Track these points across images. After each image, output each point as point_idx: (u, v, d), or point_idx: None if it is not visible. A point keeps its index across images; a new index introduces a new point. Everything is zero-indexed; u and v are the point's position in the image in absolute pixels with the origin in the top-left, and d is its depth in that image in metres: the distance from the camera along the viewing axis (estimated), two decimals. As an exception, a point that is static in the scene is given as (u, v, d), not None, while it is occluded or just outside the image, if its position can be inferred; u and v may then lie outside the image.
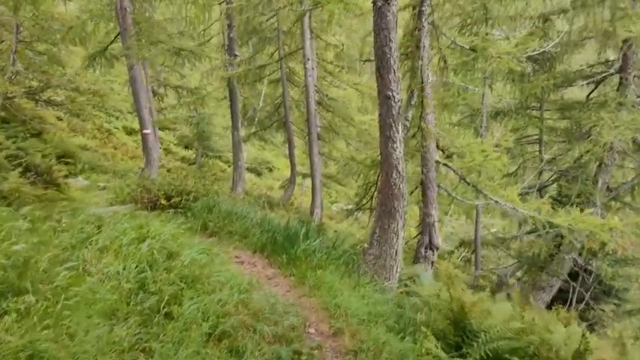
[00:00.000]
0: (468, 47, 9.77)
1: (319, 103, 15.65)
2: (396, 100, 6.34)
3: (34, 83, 15.64)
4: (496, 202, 10.34)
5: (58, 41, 15.03)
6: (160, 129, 25.82)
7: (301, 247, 6.66)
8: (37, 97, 15.98)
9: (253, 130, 21.02)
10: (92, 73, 23.23)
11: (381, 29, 6.08)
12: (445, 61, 8.08)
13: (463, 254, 20.46)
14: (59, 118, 19.93)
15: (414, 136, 8.95)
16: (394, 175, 6.56)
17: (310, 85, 14.30)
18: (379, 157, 7.10)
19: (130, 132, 22.68)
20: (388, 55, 6.13)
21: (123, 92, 26.02)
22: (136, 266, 4.48)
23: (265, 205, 14.44)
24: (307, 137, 15.06)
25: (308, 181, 21.92)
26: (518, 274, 17.00)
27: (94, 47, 13.69)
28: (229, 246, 7.97)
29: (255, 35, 19.50)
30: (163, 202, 9.77)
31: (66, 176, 13.79)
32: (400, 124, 6.46)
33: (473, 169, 10.69)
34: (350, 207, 24.57)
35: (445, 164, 10.83)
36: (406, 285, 7.22)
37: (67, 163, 14.79)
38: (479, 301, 5.09)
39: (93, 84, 22.05)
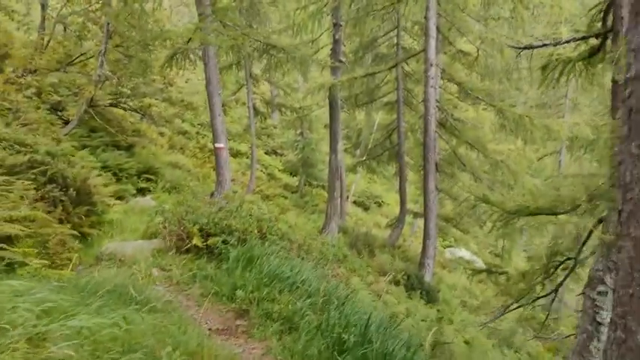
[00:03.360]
0: None
1: (441, 125, 11.10)
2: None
3: (125, 90, 13.16)
4: None
5: (151, 45, 12.42)
6: (266, 153, 23.01)
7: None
8: (125, 106, 13.40)
9: (363, 158, 17.04)
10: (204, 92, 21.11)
11: None
12: None
13: None
14: (161, 134, 17.78)
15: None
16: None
17: (431, 98, 9.91)
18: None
19: (235, 154, 19.82)
20: None
21: (235, 114, 23.67)
22: None
23: (363, 248, 10.17)
24: (423, 167, 10.59)
25: (419, 221, 17.22)
26: None
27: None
28: (259, 344, 3.88)
29: (371, 51, 15.76)
30: (197, 242, 6.02)
31: (123, 196, 10.88)
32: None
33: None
34: (470, 257, 19.13)
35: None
36: None
37: (148, 180, 12.16)
38: None
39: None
